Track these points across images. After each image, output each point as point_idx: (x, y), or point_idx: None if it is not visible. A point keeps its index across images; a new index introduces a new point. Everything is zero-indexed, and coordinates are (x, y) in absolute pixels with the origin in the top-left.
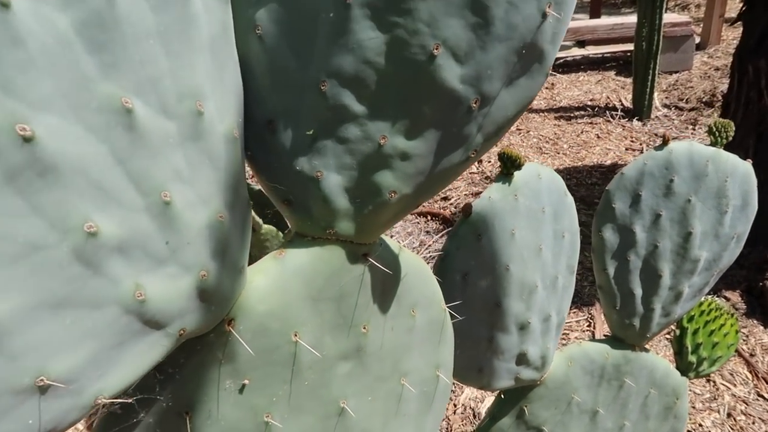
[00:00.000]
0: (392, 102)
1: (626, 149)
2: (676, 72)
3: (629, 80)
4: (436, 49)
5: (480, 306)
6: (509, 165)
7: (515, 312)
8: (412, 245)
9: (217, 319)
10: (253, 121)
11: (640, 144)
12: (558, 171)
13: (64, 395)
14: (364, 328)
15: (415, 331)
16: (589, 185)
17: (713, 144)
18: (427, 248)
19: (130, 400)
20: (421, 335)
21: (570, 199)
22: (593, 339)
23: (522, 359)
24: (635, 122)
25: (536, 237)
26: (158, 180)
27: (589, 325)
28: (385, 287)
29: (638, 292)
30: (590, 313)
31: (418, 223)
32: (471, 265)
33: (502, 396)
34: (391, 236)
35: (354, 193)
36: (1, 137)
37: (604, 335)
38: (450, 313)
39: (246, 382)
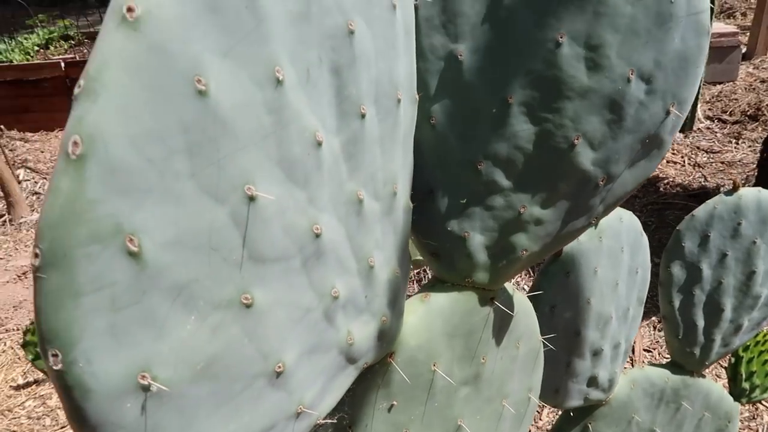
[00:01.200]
0: (534, 179)
1: (667, 162)
2: (720, 83)
3: None
4: (577, 139)
5: (562, 334)
6: None
7: (591, 340)
8: None
9: (384, 353)
10: (415, 190)
11: (682, 157)
12: None
13: (304, 418)
14: (483, 359)
15: (517, 359)
16: (628, 199)
17: None
18: None
19: (335, 419)
20: (521, 363)
21: (645, 239)
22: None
23: (592, 382)
24: (677, 134)
25: (614, 273)
26: (367, 249)
27: None
28: (502, 324)
29: (700, 323)
30: None
31: None
32: (558, 299)
33: (571, 413)
34: None
35: (492, 251)
36: (305, 236)
37: (644, 349)
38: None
39: (394, 403)
